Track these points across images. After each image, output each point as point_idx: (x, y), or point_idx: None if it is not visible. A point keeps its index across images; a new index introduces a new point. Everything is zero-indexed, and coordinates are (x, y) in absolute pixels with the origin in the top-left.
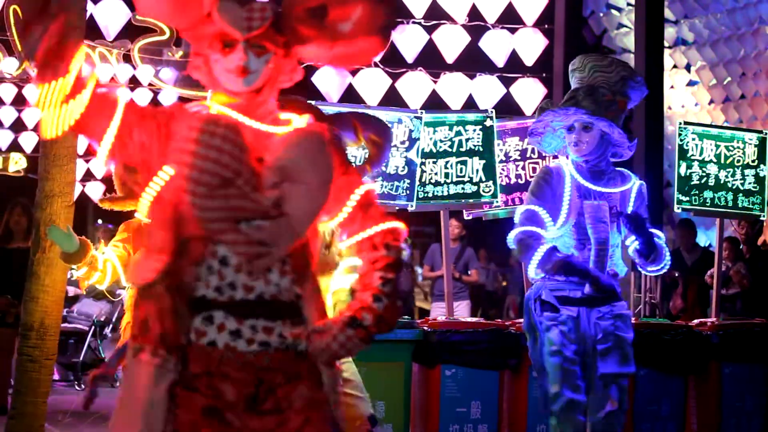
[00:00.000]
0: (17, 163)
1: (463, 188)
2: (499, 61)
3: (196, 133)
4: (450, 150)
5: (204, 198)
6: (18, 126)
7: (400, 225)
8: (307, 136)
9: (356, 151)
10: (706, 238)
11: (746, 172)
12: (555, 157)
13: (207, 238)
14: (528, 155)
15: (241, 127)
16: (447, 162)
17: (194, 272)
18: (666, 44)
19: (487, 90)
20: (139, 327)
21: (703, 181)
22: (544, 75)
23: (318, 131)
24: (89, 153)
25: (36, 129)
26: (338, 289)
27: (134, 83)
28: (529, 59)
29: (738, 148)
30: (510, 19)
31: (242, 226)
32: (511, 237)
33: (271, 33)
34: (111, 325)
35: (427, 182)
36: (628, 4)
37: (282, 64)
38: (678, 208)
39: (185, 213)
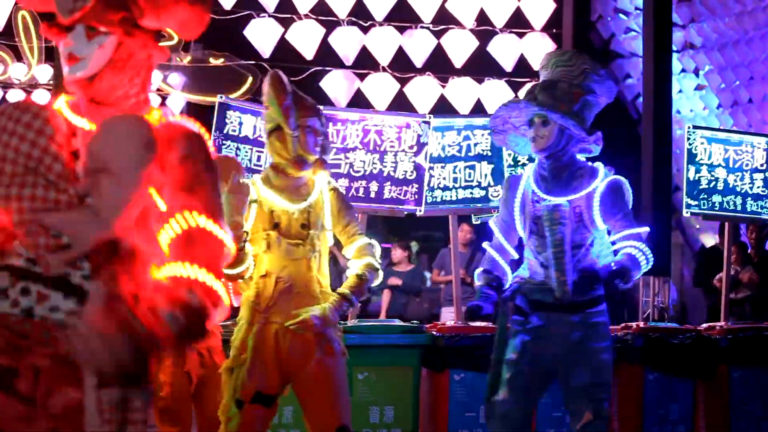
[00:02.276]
0: None
1: (471, 193)
2: (508, 65)
3: (1, 119)
4: (458, 154)
5: (6, 187)
6: None
7: (211, 283)
8: (121, 121)
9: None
10: (715, 242)
11: (755, 176)
12: None
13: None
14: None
15: (52, 116)
16: (455, 166)
17: None
18: (674, 48)
19: (496, 94)
20: None
21: (711, 185)
22: None
23: (135, 117)
24: None
25: None
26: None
27: None
28: (537, 64)
29: (746, 152)
30: (518, 23)
31: (41, 218)
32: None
33: (103, 11)
34: None
35: (435, 187)
36: (636, 9)
37: (126, 44)
38: (687, 212)
39: None
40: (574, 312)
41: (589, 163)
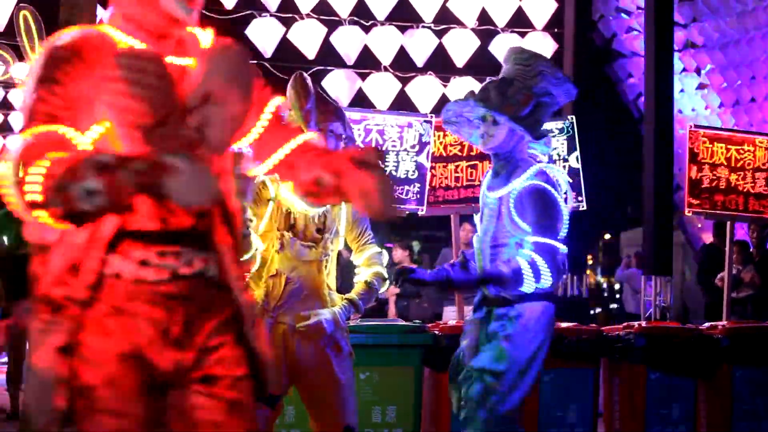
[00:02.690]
0: None
1: (473, 192)
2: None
3: (123, 70)
4: (460, 154)
5: (145, 142)
6: None
7: (312, 137)
8: (227, 53)
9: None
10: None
11: (757, 175)
12: (565, 160)
13: None
14: (538, 159)
15: (163, 58)
16: (457, 166)
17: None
18: (676, 47)
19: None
20: (35, 285)
21: (713, 185)
22: None
23: (234, 46)
24: None
25: None
26: (359, 280)
27: None
28: None
29: (748, 151)
30: (520, 23)
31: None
32: None
33: None
34: None
35: (437, 186)
36: (638, 8)
37: None
38: (689, 212)
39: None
40: (499, 306)
41: (533, 161)
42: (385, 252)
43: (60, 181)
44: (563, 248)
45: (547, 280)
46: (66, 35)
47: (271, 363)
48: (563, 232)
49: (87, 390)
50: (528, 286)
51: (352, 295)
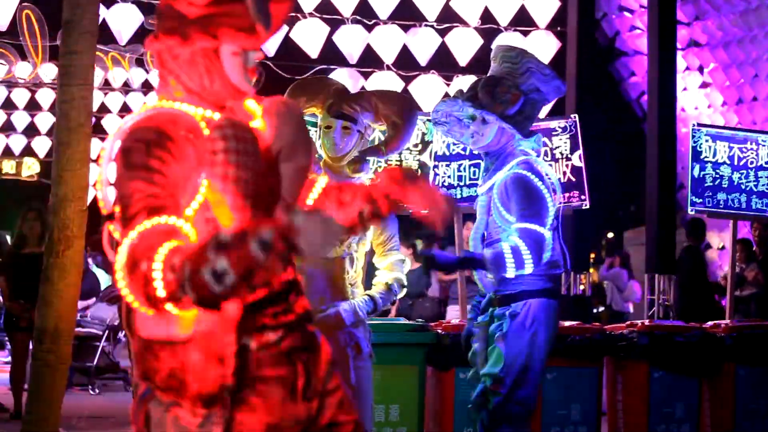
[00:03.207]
0: (30, 168)
1: (476, 191)
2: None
3: (232, 141)
4: (463, 153)
5: (250, 209)
6: (31, 130)
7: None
8: (289, 111)
9: (375, 132)
10: (720, 239)
11: (760, 173)
12: (567, 159)
13: None
14: (541, 157)
15: (248, 125)
16: (460, 165)
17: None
18: (678, 46)
19: None
20: (166, 379)
21: (716, 183)
22: None
23: (293, 103)
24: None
25: (49, 133)
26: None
27: (147, 87)
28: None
29: (751, 149)
30: (522, 21)
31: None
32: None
33: None
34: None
35: (440, 185)
36: (641, 6)
37: None
38: (691, 210)
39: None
40: (504, 303)
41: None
42: (408, 260)
43: (186, 269)
44: (548, 234)
45: (528, 266)
46: (141, 116)
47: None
48: (549, 220)
49: None
50: (510, 271)
51: (373, 292)
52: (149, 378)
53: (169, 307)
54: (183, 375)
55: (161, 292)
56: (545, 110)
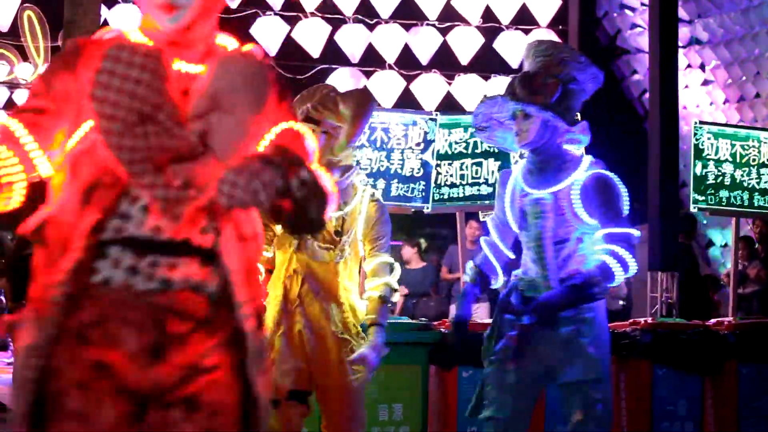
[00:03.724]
0: None
1: (478, 190)
2: (514, 62)
3: (109, 62)
4: (465, 151)
5: (120, 136)
6: None
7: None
8: (240, 59)
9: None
10: (722, 237)
11: (762, 171)
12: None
13: (119, 183)
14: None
15: (163, 56)
16: (462, 164)
17: (102, 221)
18: (680, 44)
19: (502, 91)
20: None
21: (718, 181)
22: None
23: (252, 54)
24: None
25: None
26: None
27: None
28: None
29: (753, 147)
30: (524, 20)
31: (164, 168)
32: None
33: None
34: None
35: (442, 184)
36: (642, 4)
37: None
38: (694, 208)
39: (100, 156)
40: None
41: (580, 155)
42: (396, 264)
43: None
44: (637, 233)
45: (633, 267)
46: (94, 35)
47: (267, 404)
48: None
49: (57, 394)
50: (619, 278)
51: (374, 317)
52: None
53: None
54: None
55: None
56: None
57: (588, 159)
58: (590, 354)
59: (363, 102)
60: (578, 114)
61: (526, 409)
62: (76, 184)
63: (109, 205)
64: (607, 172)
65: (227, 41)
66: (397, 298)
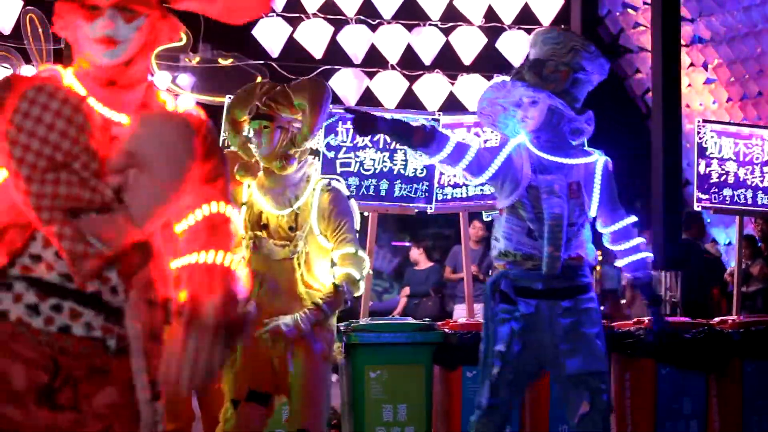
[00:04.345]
0: None
1: (482, 190)
2: (516, 61)
3: (26, 104)
4: None
5: (29, 182)
6: None
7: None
8: (167, 120)
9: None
10: (726, 236)
11: (765, 169)
12: None
13: (28, 227)
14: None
15: (84, 103)
16: None
17: (12, 259)
18: (683, 42)
19: None
20: None
21: (722, 179)
22: None
23: (183, 117)
24: None
25: None
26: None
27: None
28: None
29: (757, 145)
30: (526, 19)
31: (74, 219)
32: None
33: None
34: None
35: (445, 184)
36: (645, 3)
37: (158, 27)
38: (697, 206)
39: (12, 198)
40: (565, 297)
41: (580, 144)
42: (365, 256)
43: None
44: (634, 219)
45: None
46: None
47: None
48: None
49: None
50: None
51: (318, 300)
52: None
53: None
54: None
55: None
56: None
57: (594, 151)
58: (595, 345)
59: (317, 90)
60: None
61: (517, 401)
62: None
63: (18, 246)
64: (609, 159)
65: (168, 98)
66: (361, 290)
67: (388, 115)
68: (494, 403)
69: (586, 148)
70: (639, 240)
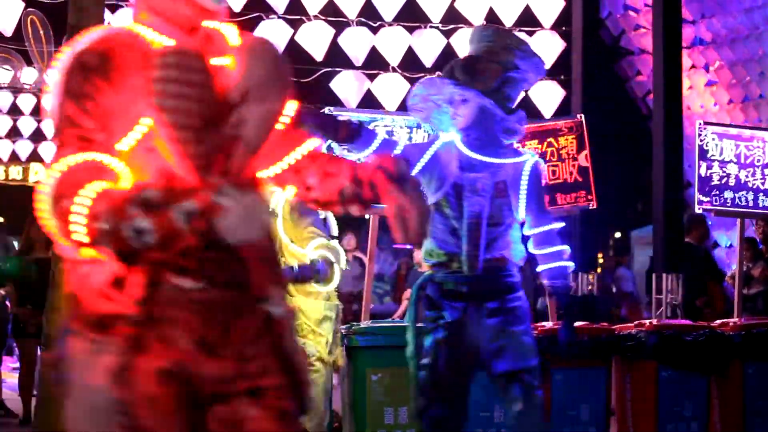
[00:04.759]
0: (37, 174)
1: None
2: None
3: (172, 70)
4: None
5: (194, 143)
6: (37, 136)
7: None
8: (263, 50)
9: None
10: (727, 238)
11: (766, 171)
12: (574, 159)
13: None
14: (547, 158)
15: (203, 55)
16: None
17: None
18: (684, 44)
19: None
20: (75, 312)
21: (723, 181)
22: (562, 77)
23: (269, 44)
24: None
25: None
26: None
27: None
28: (547, 62)
29: (758, 147)
30: (527, 21)
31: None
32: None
33: None
34: None
35: None
36: (646, 5)
37: None
38: (699, 209)
39: (164, 165)
40: (491, 299)
41: (512, 144)
42: (341, 249)
43: (108, 220)
44: (561, 224)
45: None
46: (91, 38)
47: (307, 375)
48: None
49: (125, 408)
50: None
51: (293, 265)
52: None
53: (89, 252)
54: (78, 294)
55: (84, 238)
56: (550, 110)
57: (527, 151)
58: (524, 342)
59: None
60: (517, 103)
61: (463, 402)
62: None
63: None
64: (541, 161)
65: (224, 28)
66: (335, 276)
67: (355, 116)
68: (443, 414)
69: (517, 147)
70: (562, 247)
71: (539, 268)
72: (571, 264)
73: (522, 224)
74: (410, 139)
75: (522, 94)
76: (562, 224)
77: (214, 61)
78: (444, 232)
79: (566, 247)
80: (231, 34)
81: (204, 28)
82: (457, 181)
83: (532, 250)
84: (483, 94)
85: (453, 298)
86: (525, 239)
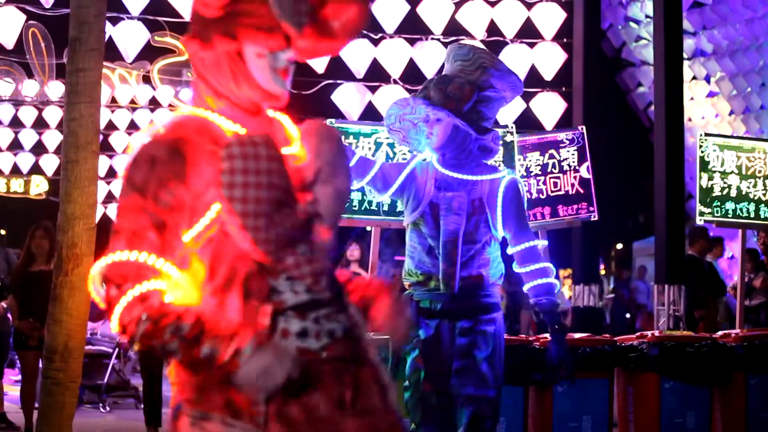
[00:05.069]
0: (39, 186)
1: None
2: (519, 75)
3: (239, 160)
4: None
5: (263, 230)
6: (39, 149)
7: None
8: (329, 133)
9: None
10: (728, 249)
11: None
12: (575, 170)
13: (264, 270)
14: (549, 170)
15: (272, 141)
16: None
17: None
18: (685, 56)
19: (507, 105)
20: (196, 390)
21: (724, 193)
22: (563, 89)
23: (330, 126)
24: (110, 175)
25: (57, 151)
26: None
27: (154, 104)
28: (548, 73)
29: (759, 158)
30: (529, 33)
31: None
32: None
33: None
34: None
35: None
36: (647, 17)
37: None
38: (700, 220)
39: (238, 250)
40: (465, 317)
41: (488, 162)
42: None
43: (147, 330)
44: (544, 243)
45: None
46: (165, 126)
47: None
48: None
49: None
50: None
51: None
52: (181, 391)
53: (133, 341)
54: (212, 383)
55: (117, 327)
56: (552, 122)
57: (503, 168)
58: (482, 371)
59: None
60: (494, 122)
61: (453, 421)
62: (217, 278)
63: (266, 292)
64: (517, 176)
65: (274, 113)
66: None
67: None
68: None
69: (495, 165)
70: (546, 265)
71: (525, 287)
72: (556, 282)
73: (504, 243)
74: (411, 151)
75: (522, 106)
76: (544, 242)
77: (284, 151)
78: (421, 252)
79: (549, 265)
80: (287, 121)
81: (266, 114)
82: (433, 200)
83: (516, 269)
84: (456, 114)
85: (427, 315)
86: (510, 259)
